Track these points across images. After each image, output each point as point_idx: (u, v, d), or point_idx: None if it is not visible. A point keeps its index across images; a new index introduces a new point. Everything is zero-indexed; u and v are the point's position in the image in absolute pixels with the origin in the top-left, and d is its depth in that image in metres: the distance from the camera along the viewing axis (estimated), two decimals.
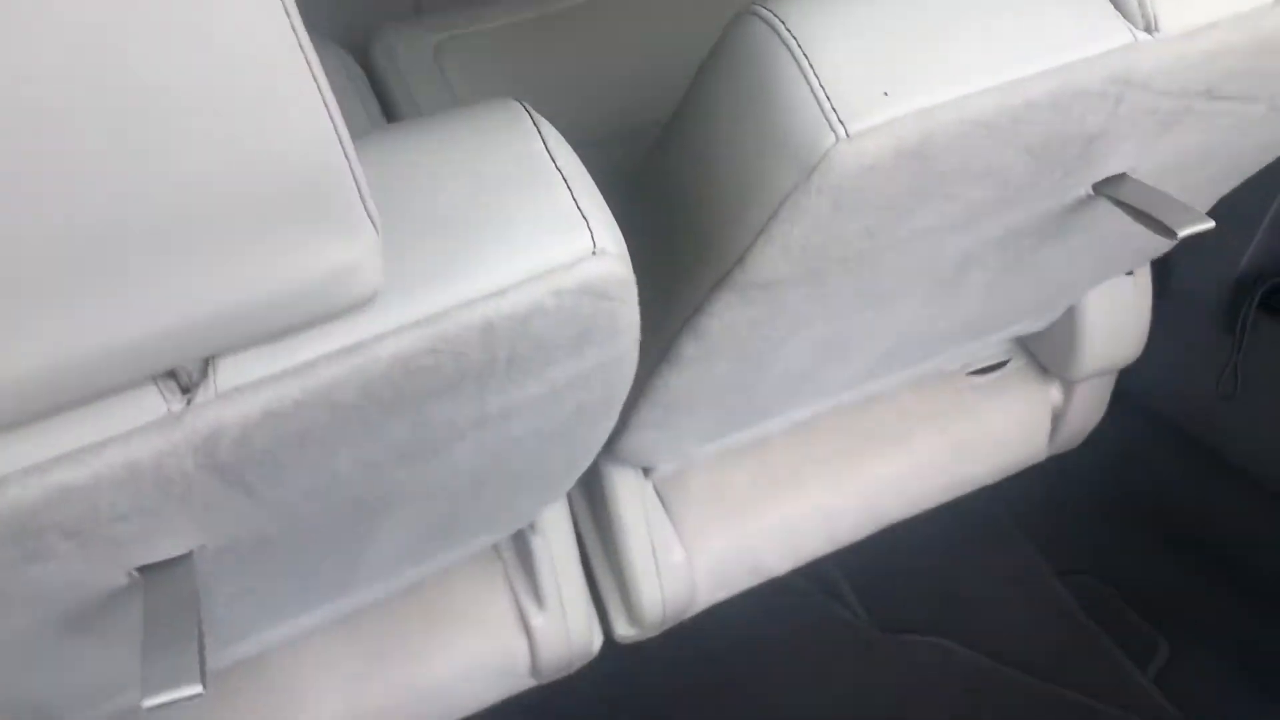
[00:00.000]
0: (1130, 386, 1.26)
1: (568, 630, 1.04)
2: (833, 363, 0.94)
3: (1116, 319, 1.13)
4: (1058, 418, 1.21)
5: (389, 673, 1.02)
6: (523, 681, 1.08)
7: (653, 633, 1.13)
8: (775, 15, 0.60)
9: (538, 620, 1.03)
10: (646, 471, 1.06)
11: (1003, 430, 1.19)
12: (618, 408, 0.71)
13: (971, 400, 1.19)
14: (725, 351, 0.79)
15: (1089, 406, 1.22)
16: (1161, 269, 1.22)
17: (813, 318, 0.79)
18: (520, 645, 1.05)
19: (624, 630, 1.12)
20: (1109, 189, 0.74)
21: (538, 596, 1.04)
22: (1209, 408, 1.23)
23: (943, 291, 0.87)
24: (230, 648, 0.91)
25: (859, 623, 1.41)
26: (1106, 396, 1.23)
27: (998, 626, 1.39)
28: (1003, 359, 1.21)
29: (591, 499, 1.11)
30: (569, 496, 1.12)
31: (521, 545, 1.04)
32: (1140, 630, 1.37)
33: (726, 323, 0.74)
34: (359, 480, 0.64)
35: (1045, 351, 1.19)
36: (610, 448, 0.96)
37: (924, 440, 1.16)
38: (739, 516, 1.11)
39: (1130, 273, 1.11)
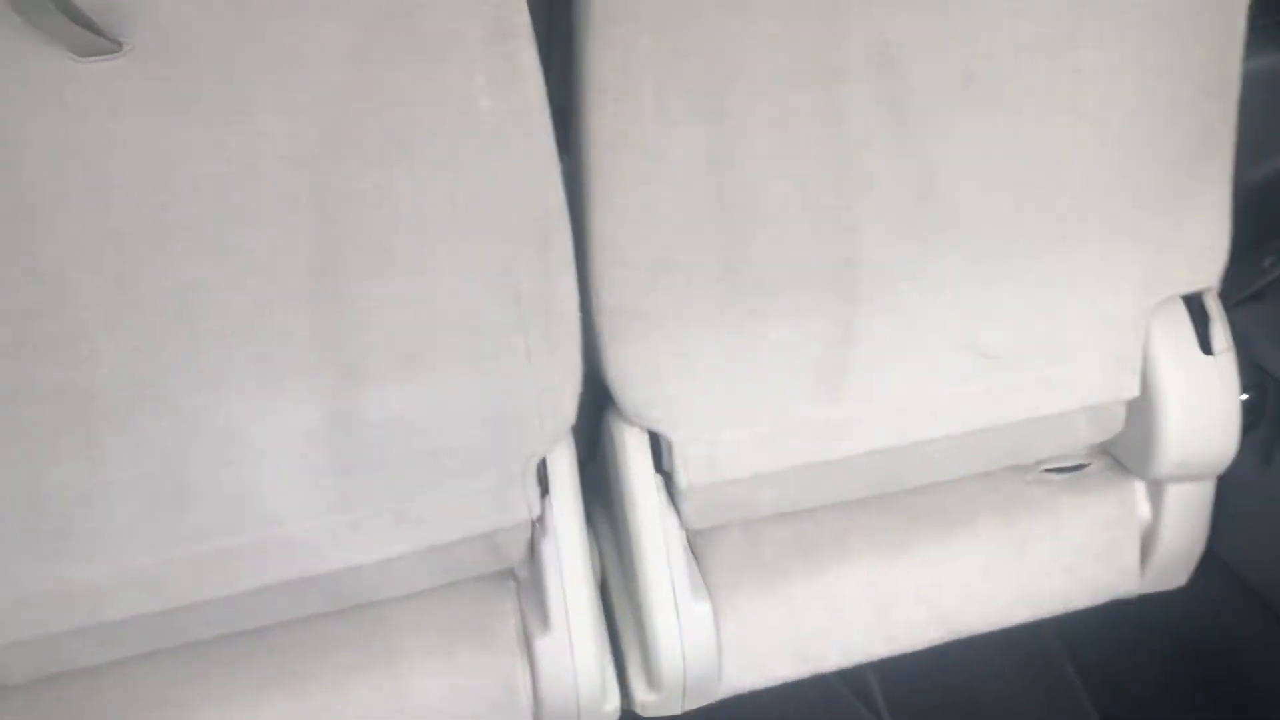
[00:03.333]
0: (1218, 545, 1.16)
1: (574, 660, 0.97)
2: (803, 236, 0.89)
3: (1197, 407, 1.04)
4: (1148, 538, 1.11)
5: (369, 678, 0.97)
6: None
7: (673, 706, 1.04)
8: None
9: (542, 642, 0.96)
10: (676, 504, 0.99)
11: (1079, 535, 1.09)
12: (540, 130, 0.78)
13: (1043, 494, 1.10)
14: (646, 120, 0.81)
15: (1181, 529, 1.11)
16: (1270, 437, 1.13)
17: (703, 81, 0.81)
18: (521, 672, 0.97)
19: (643, 695, 1.03)
20: None
21: (544, 614, 0.96)
22: None
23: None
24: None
25: None
26: (1202, 529, 1.13)
27: None
28: (1083, 462, 1.13)
29: (615, 531, 1.04)
30: (592, 526, 1.06)
31: (535, 561, 0.97)
32: None
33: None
34: None
35: (1124, 449, 1.11)
36: (603, 363, 0.92)
37: (988, 527, 1.07)
38: (776, 578, 1.03)
39: (1210, 354, 1.03)
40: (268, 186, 0.76)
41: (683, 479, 0.96)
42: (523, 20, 0.75)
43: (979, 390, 1.00)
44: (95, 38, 0.67)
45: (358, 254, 0.79)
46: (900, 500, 1.08)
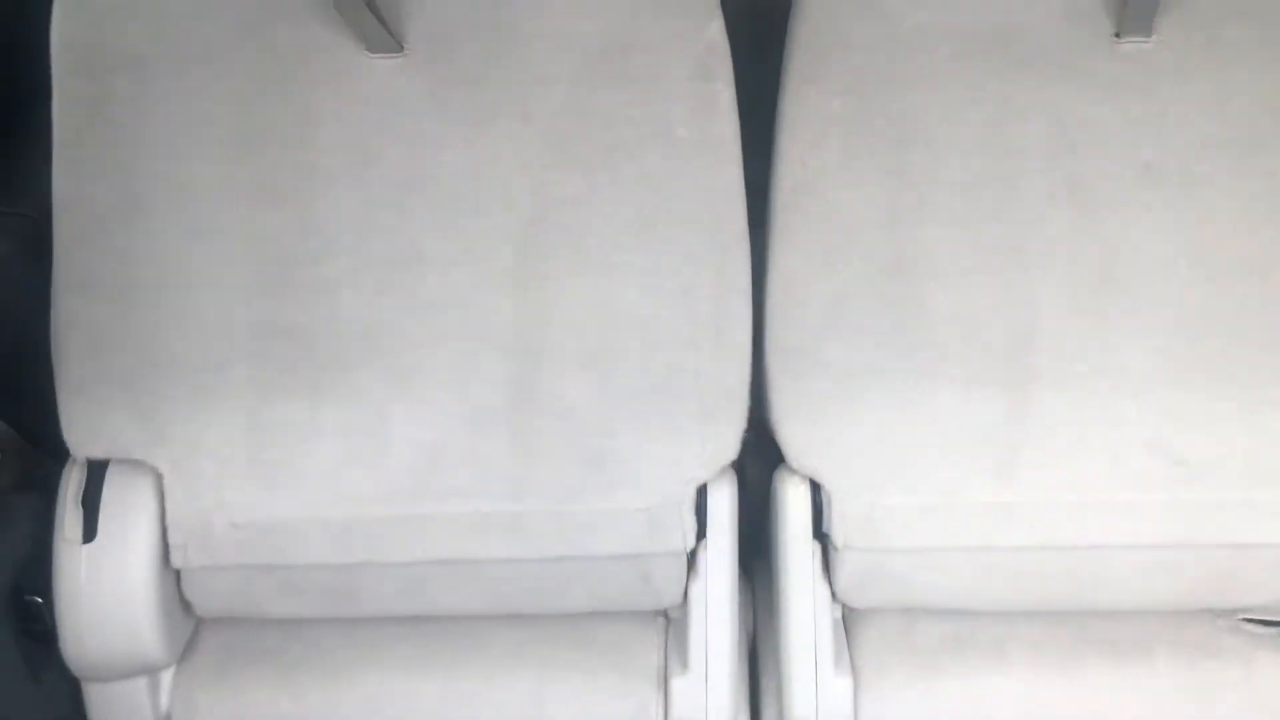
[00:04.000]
0: None
1: (707, 704, 0.97)
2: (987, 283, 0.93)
3: None
4: None
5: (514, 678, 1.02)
6: None
7: None
8: None
9: (678, 681, 0.98)
10: (831, 573, 0.99)
11: (1275, 695, 0.98)
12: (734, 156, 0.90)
13: (1236, 643, 1.00)
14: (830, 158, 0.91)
15: None
16: None
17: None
18: (656, 706, 0.99)
19: None
20: None
21: (685, 654, 0.98)
22: None
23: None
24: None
25: None
26: None
27: None
28: None
29: (771, 588, 1.06)
30: (752, 580, 1.08)
31: (685, 602, 1.01)
32: None
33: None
34: None
35: None
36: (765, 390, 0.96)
37: (1167, 666, 0.99)
38: (926, 670, 1.00)
39: None
40: (495, 181, 0.90)
41: (839, 536, 0.97)
42: (725, 66, 0.89)
43: (1168, 500, 0.95)
44: (387, 36, 0.85)
45: (557, 251, 0.91)
46: (1070, 619, 1.02)
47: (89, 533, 0.96)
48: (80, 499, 0.96)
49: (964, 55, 0.90)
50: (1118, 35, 0.89)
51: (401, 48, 0.87)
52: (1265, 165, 0.90)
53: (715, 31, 0.89)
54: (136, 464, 0.96)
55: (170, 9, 0.88)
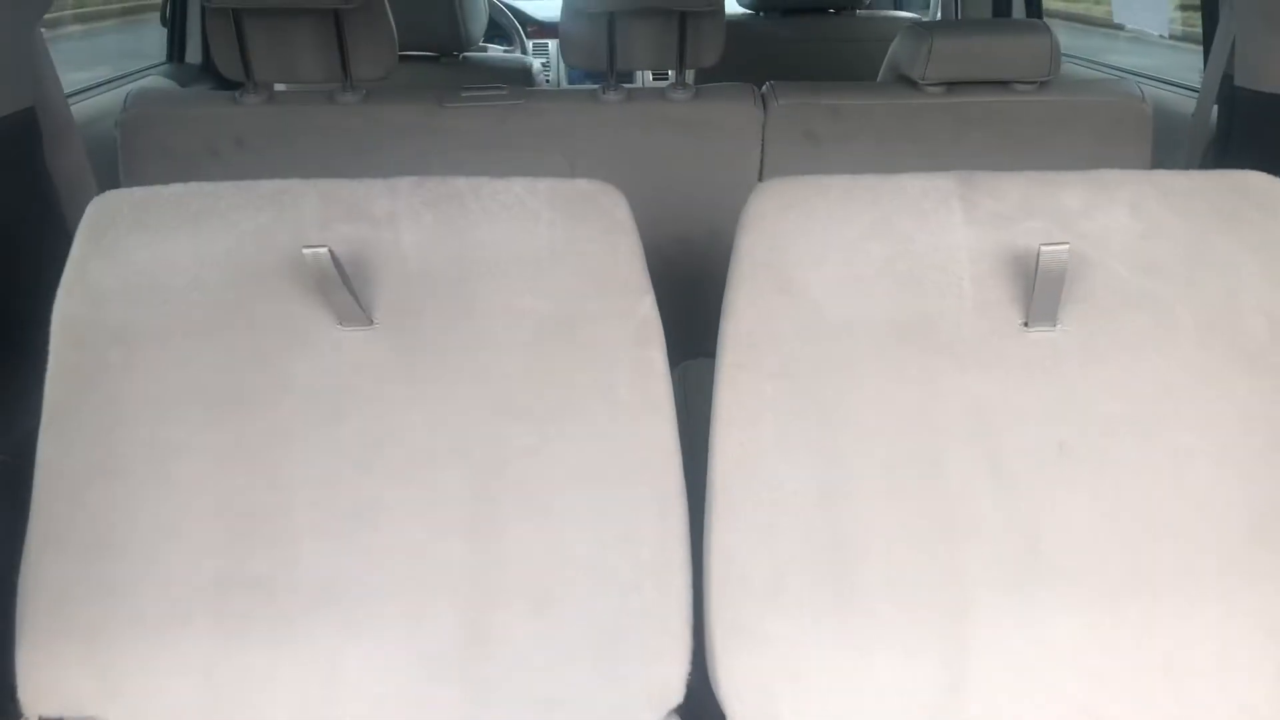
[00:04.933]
0: None
1: None
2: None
3: None
4: None
5: None
6: None
7: None
8: None
9: None
10: None
11: None
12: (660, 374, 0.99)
13: None
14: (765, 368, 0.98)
15: None
16: None
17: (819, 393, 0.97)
18: None
19: None
20: None
21: None
22: None
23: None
24: None
25: None
26: None
27: None
28: None
29: None
30: None
31: None
32: None
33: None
34: None
35: None
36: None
37: None
38: None
39: None
40: (453, 436, 0.97)
41: None
42: (658, 335, 0.99)
43: None
44: (359, 310, 0.94)
45: (510, 499, 0.97)
46: None
47: None
48: None
49: (886, 344, 0.98)
50: (1026, 324, 0.98)
51: (371, 320, 0.96)
52: (1169, 441, 0.96)
53: (648, 307, 0.99)
54: None
55: (165, 288, 0.97)
